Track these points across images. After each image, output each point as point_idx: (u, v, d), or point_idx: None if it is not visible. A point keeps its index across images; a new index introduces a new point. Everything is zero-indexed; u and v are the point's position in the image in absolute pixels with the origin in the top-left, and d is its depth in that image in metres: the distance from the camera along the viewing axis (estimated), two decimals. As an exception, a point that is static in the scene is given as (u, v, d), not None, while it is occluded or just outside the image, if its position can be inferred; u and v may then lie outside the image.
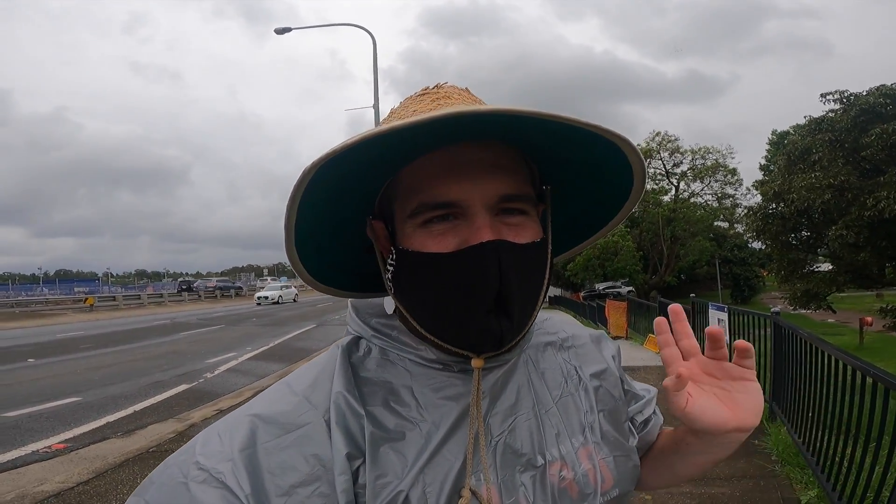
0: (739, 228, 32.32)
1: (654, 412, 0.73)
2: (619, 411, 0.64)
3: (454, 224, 0.49)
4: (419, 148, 0.47)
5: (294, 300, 32.02)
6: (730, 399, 0.53)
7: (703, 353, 0.54)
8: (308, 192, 0.44)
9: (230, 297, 41.06)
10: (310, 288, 0.58)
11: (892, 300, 15.20)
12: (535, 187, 0.54)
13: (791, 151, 15.02)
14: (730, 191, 32.52)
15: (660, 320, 0.53)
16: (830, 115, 14.19)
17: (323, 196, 0.46)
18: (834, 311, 17.46)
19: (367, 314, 0.59)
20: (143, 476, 0.47)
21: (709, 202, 33.02)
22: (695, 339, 0.54)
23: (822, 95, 14.34)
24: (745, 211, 20.84)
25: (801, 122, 15.87)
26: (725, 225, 34.86)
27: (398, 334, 0.56)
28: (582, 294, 28.83)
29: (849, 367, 2.64)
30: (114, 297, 30.42)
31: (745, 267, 34.60)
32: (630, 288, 30.76)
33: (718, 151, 31.73)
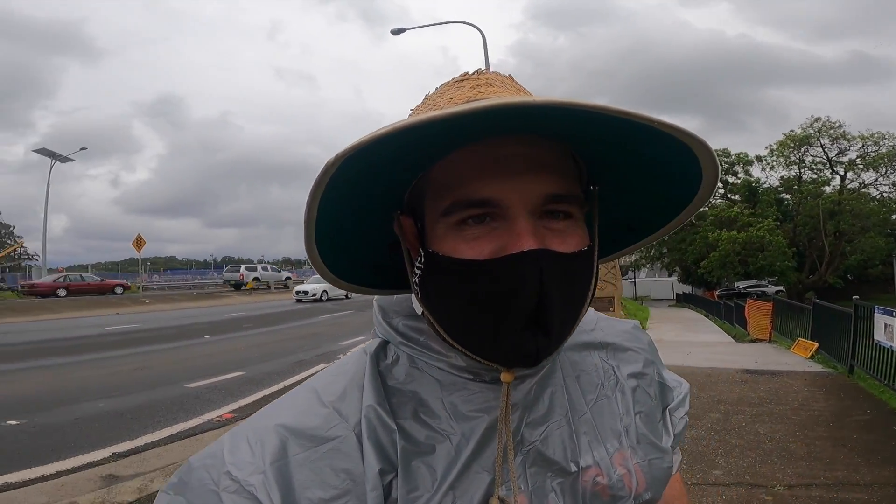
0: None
1: (685, 415, 0.66)
2: (655, 411, 0.62)
3: (491, 227, 0.44)
4: (455, 141, 0.42)
5: (346, 296, 24.22)
6: None
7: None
8: (331, 186, 0.41)
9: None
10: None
11: None
12: (582, 187, 0.49)
13: None
14: (912, 181, 27.04)
15: None
16: None
17: (346, 191, 0.43)
18: None
19: (393, 315, 0.56)
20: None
21: (885, 194, 27.79)
22: None
23: None
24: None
25: None
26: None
27: (426, 339, 0.53)
28: (717, 292, 26.20)
29: None
30: (267, 283, 34.02)
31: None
32: (779, 288, 27.24)
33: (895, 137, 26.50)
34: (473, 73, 0.52)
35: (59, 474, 3.85)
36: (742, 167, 31.25)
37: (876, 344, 5.98)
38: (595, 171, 0.51)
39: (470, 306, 0.45)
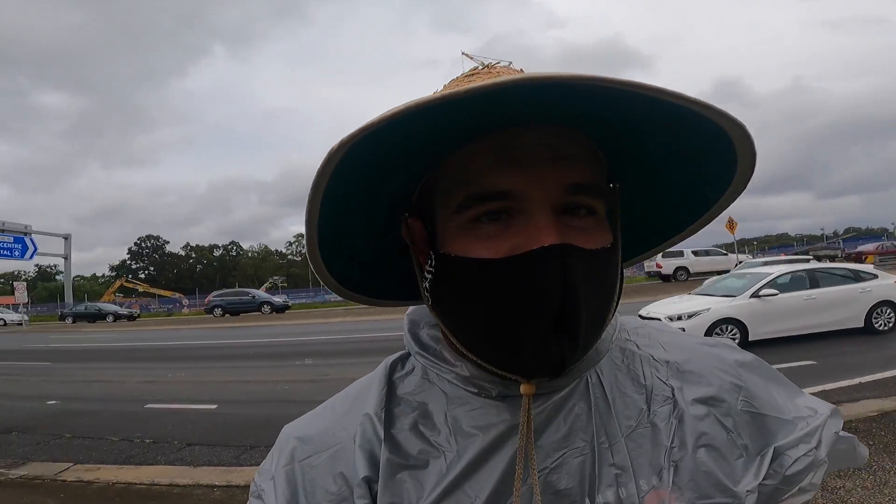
0: None
1: (815, 448, 0.49)
2: (731, 447, 0.48)
3: (508, 224, 0.42)
4: (469, 131, 0.40)
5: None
6: None
7: None
8: (336, 181, 0.38)
9: None
10: None
11: None
12: (604, 183, 0.46)
13: None
14: None
15: None
16: None
17: (352, 188, 0.41)
18: None
19: (423, 325, 0.54)
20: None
21: None
22: None
23: None
24: None
25: None
26: None
27: (441, 349, 0.51)
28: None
29: None
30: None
31: None
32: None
33: None
34: (484, 68, 0.49)
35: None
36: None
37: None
38: (618, 169, 0.47)
39: (486, 311, 0.42)
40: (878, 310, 8.17)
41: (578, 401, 0.48)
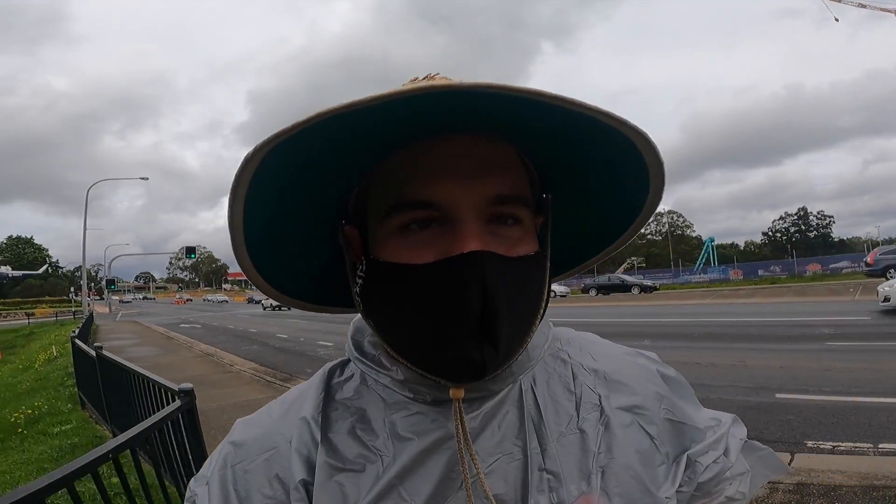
0: None
1: (724, 455, 0.53)
2: (653, 453, 0.51)
3: (436, 231, 0.43)
4: (394, 139, 0.41)
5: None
6: None
7: None
8: (262, 184, 0.39)
9: None
10: None
11: None
12: (534, 194, 0.47)
13: None
14: None
15: None
16: None
17: (285, 192, 0.42)
18: None
19: (366, 333, 0.53)
20: None
21: None
22: None
23: None
24: None
25: None
26: None
27: (379, 355, 0.51)
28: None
29: None
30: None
31: None
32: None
33: None
34: (423, 78, 0.49)
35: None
36: None
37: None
38: (556, 181, 0.49)
39: (412, 314, 0.43)
40: None
41: (512, 407, 0.49)
